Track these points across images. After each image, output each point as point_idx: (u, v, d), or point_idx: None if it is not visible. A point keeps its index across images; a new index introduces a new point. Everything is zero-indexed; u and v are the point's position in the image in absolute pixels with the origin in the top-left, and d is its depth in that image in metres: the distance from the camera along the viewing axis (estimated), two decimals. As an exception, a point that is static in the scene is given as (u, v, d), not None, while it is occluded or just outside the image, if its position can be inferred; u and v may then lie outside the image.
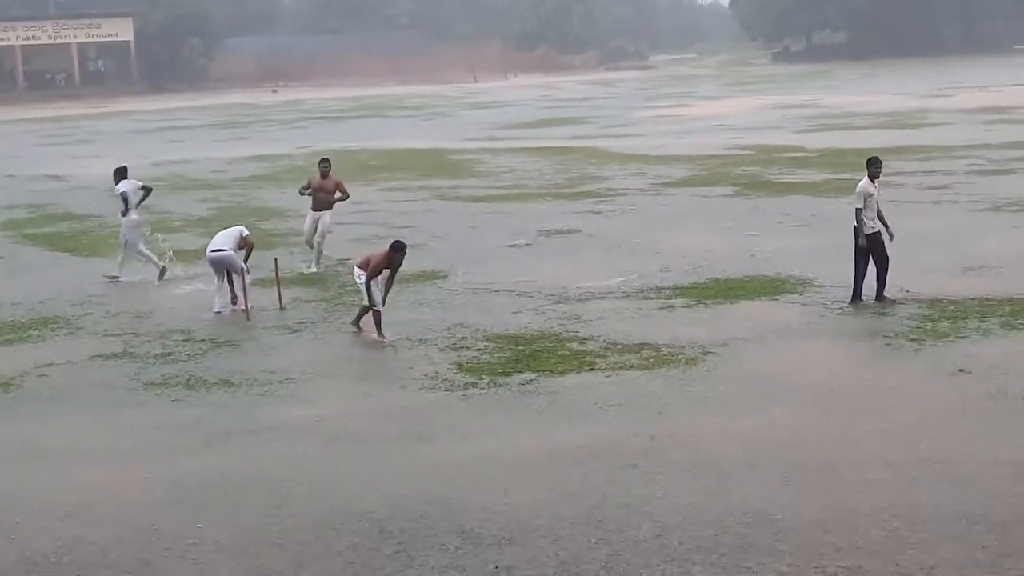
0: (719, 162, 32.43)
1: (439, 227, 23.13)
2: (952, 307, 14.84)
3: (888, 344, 13.55)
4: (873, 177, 15.36)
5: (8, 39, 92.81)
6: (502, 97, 72.27)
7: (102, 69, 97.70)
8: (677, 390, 12.08)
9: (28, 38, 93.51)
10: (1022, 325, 13.94)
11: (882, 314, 14.76)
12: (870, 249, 15.18)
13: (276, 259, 17.16)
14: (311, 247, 19.40)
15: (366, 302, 14.71)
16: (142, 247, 19.39)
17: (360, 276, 14.76)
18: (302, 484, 9.83)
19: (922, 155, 31.77)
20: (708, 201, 25.37)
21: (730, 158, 33.44)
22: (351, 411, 11.89)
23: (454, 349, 13.98)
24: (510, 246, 20.57)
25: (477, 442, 10.75)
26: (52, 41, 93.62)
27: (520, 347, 13.91)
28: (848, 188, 25.75)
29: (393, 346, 14.28)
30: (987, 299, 15.13)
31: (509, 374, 12.82)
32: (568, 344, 13.96)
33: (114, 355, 14.41)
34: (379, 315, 14.60)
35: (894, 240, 15.43)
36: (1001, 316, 14.32)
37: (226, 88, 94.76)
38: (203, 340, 14.99)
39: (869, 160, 15.57)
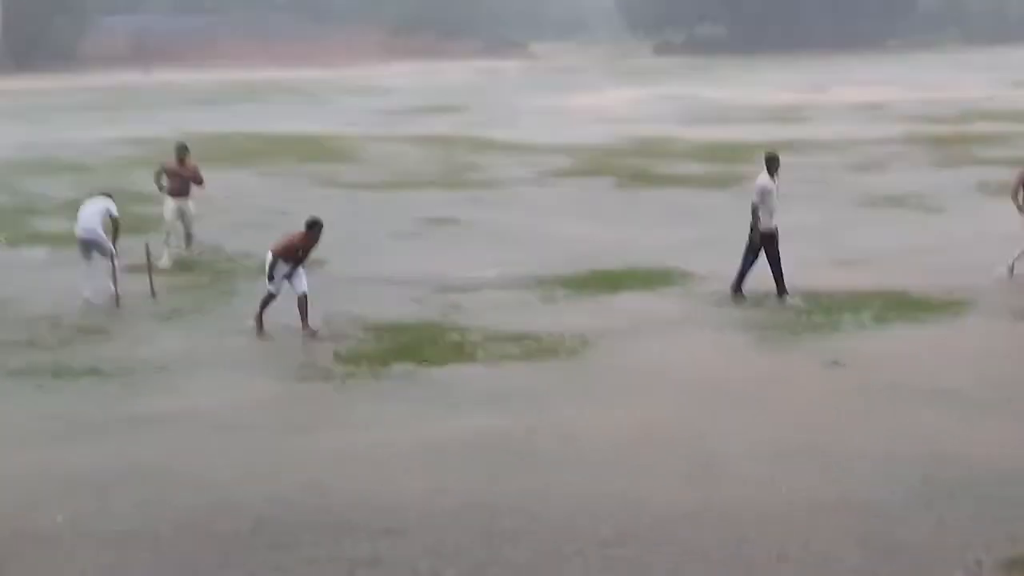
0: (601, 153, 32.58)
1: (318, 214, 22.75)
2: (827, 300, 15.08)
3: (765, 336, 13.74)
4: (772, 173, 15.48)
5: None
6: (382, 83, 71.80)
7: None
8: (557, 381, 12.08)
9: None
10: (893, 318, 14.24)
11: (759, 307, 14.94)
12: (764, 246, 15.29)
13: (148, 244, 16.71)
14: (172, 236, 18.45)
15: (270, 289, 14.14)
16: None
17: (269, 259, 14.15)
18: (174, 475, 9.61)
19: (799, 150, 32.28)
20: (590, 192, 25.46)
21: (612, 149, 33.61)
22: (226, 401, 11.65)
23: (332, 339, 13.77)
24: (391, 235, 20.38)
25: (355, 433, 10.62)
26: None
27: (400, 337, 13.77)
28: (728, 181, 26.11)
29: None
30: (860, 292, 15.41)
31: (388, 364, 12.69)
32: (448, 334, 13.87)
33: (-24, 342, 13.92)
34: (303, 302, 13.92)
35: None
36: (873, 309, 14.61)
37: (98, 68, 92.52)
38: (71, 327, 14.55)
39: (768, 157, 15.66)
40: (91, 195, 16.98)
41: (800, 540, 8.24)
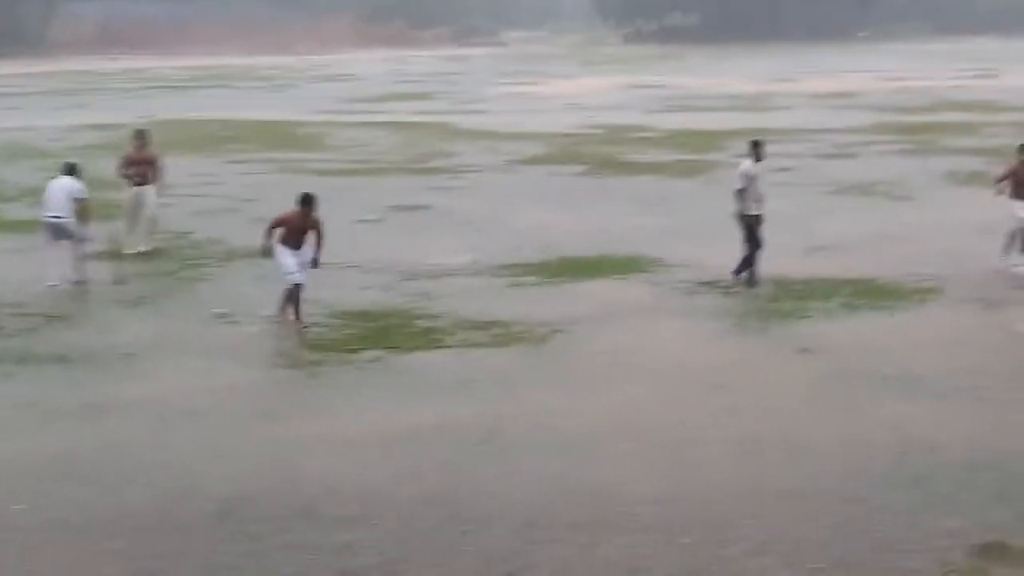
0: (570, 141, 32.55)
1: (286, 200, 22.55)
2: (797, 287, 15.09)
3: (736, 324, 13.75)
4: (757, 159, 15.51)
5: None
6: (352, 70, 71.53)
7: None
8: (526, 368, 12.04)
9: None
10: (862, 306, 14.27)
11: (730, 293, 14.94)
12: (748, 229, 15.28)
13: (114, 230, 16.55)
14: (133, 226, 17.92)
15: (293, 280, 13.53)
16: None
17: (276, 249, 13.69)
18: (141, 463, 9.52)
19: (770, 138, 32.32)
20: (559, 180, 25.41)
21: (581, 137, 33.59)
22: (193, 388, 11.54)
23: (301, 325, 13.66)
24: (359, 221, 20.26)
25: (323, 420, 10.55)
26: None
27: (368, 324, 13.69)
28: (697, 169, 26.16)
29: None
30: (830, 280, 15.43)
31: (356, 351, 12.61)
32: (417, 321, 13.80)
33: (-61, 329, 13.74)
34: (296, 289, 13.54)
35: None
36: (842, 297, 14.63)
37: (65, 54, 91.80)
38: (36, 314, 14.36)
39: (753, 143, 15.71)
40: (56, 173, 16.62)
41: (771, 526, 8.23)
